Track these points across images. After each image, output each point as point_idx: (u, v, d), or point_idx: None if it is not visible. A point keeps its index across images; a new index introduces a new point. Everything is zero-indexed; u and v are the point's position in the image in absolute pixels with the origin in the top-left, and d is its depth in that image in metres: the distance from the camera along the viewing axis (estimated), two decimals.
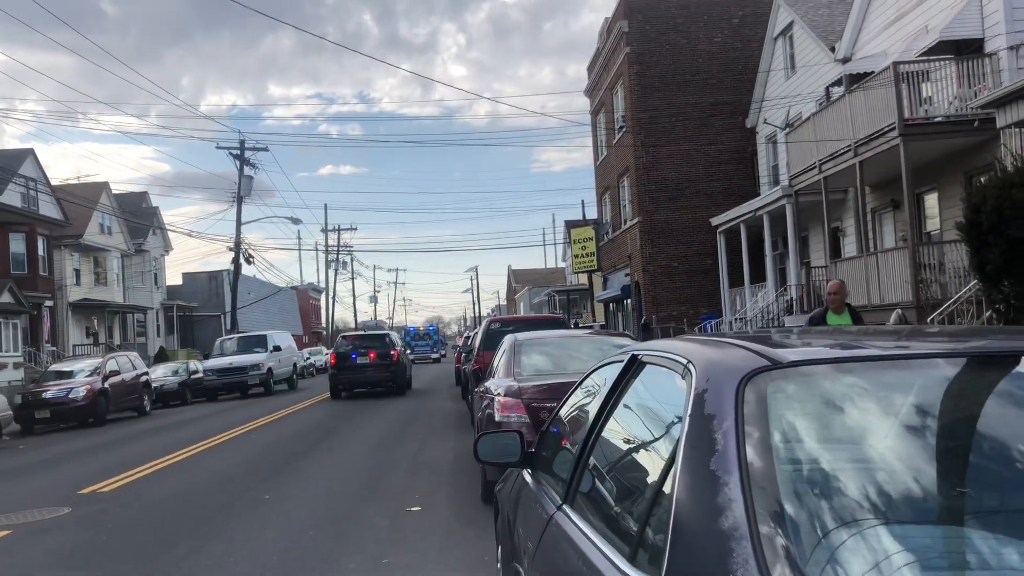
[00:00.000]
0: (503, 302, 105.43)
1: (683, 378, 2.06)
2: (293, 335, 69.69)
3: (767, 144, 26.94)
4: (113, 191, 43.16)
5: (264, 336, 30.03)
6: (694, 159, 29.53)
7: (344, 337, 23.61)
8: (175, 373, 28.34)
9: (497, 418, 7.06)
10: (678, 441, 1.85)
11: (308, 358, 47.55)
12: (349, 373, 22.60)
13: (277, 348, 29.57)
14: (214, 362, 28.36)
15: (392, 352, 22.96)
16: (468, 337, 26.78)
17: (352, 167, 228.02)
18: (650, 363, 2.46)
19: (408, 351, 27.47)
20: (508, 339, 8.85)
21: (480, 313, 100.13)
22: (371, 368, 22.67)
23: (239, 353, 28.78)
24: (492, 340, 13.00)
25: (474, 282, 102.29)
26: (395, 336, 24.46)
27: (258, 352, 28.70)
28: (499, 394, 7.34)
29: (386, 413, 18.11)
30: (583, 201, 43.00)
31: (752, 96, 27.46)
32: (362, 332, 25.41)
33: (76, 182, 43.19)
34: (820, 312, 8.35)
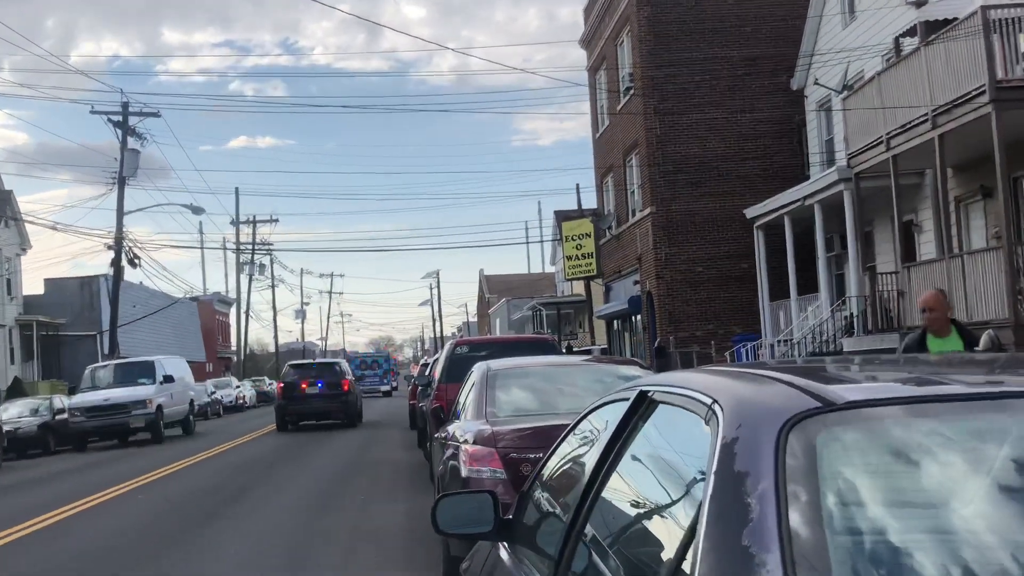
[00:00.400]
0: (472, 318, 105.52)
1: (707, 423, 2.06)
2: (194, 361, 69.82)
3: (818, 112, 27.18)
4: None
5: (150, 363, 29.65)
6: (723, 131, 29.71)
7: (292, 366, 30.19)
8: (34, 413, 28.06)
9: (464, 473, 7.08)
10: (700, 506, 1.84)
11: (213, 392, 47.31)
12: (298, 404, 28.41)
13: (168, 379, 29.11)
14: (83, 398, 27.81)
15: (343, 382, 28.72)
16: (426, 365, 26.76)
17: (274, 139, 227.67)
18: (664, 402, 2.46)
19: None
20: (479, 368, 8.85)
21: (442, 333, 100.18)
22: (321, 399, 28.24)
23: (117, 385, 28.26)
24: (458, 369, 12.99)
25: (435, 291, 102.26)
26: (345, 365, 29.82)
27: (144, 384, 28.24)
28: (466, 441, 7.36)
29: (319, 463, 18.05)
30: (578, 186, 43.20)
31: (799, 49, 27.69)
32: (311, 361, 31.93)
33: None
34: (917, 336, 7.99)
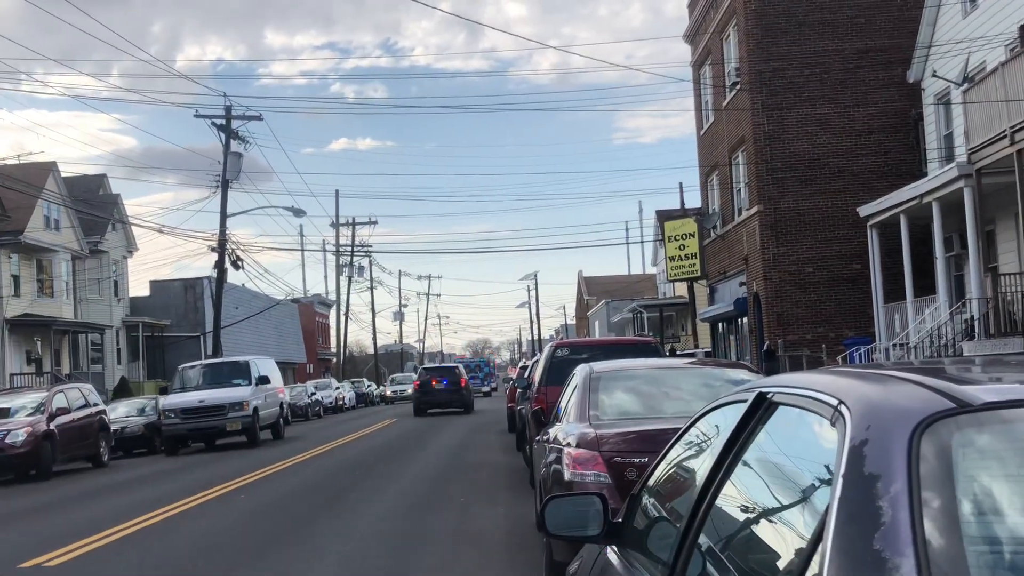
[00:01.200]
0: (571, 321, 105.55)
1: (833, 424, 2.04)
2: (294, 362, 71.53)
3: (937, 105, 26.47)
4: (63, 174, 44.52)
5: (245, 363, 28.51)
6: (835, 126, 29.15)
7: (425, 369, 42.10)
8: (140, 412, 28.98)
9: (567, 476, 7.10)
10: (827, 511, 1.82)
11: (313, 393, 48.25)
12: (430, 396, 39.31)
13: (263, 379, 28.41)
14: (177, 399, 26.76)
15: (461, 380, 40.18)
16: (525, 367, 26.89)
17: (373, 140, 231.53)
18: (785, 404, 2.44)
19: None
20: (581, 371, 8.87)
21: (540, 335, 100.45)
22: (446, 392, 39.31)
23: (209, 386, 27.19)
24: (558, 372, 13.05)
25: (532, 293, 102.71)
26: (462, 368, 42.10)
27: (239, 385, 27.27)
28: (569, 444, 7.37)
29: (417, 467, 18.26)
30: (681, 185, 42.84)
31: (916, 40, 27.01)
32: (437, 365, 43.56)
33: (15, 162, 44.73)
34: None
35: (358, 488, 15.44)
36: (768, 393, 2.56)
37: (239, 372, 28.00)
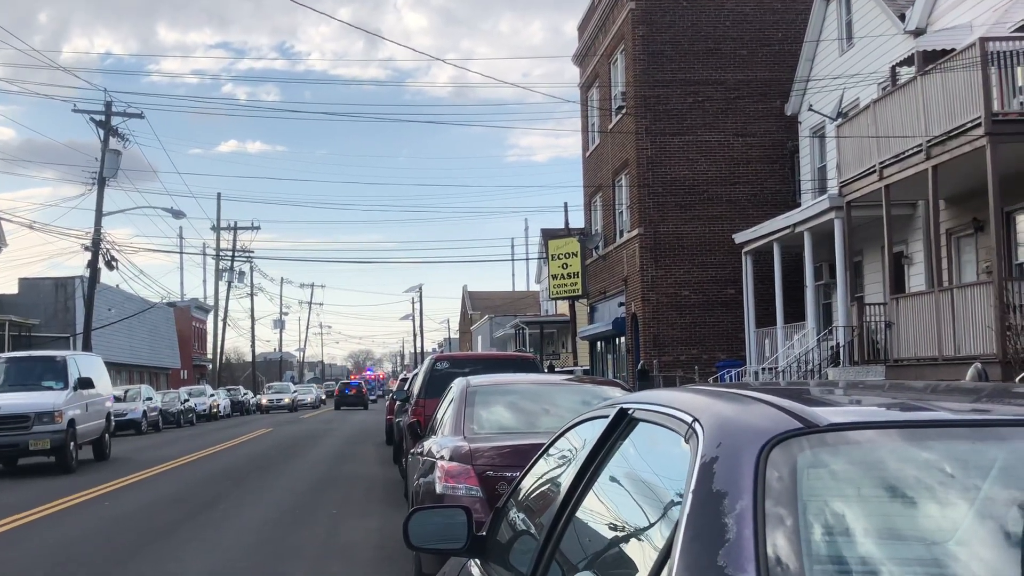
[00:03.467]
0: (454, 334, 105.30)
1: (687, 441, 2.06)
2: (169, 368, 69.60)
3: (812, 139, 27.34)
4: None
5: (61, 360, 22.25)
6: (715, 154, 29.84)
7: (342, 383, 72.47)
8: None
9: (439, 489, 7.07)
10: (677, 525, 1.83)
11: (186, 400, 47.09)
12: (343, 398, 66.78)
13: (86, 383, 21.84)
14: None
15: (363, 389, 70.04)
16: (405, 380, 26.74)
17: (263, 144, 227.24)
18: (644, 420, 2.46)
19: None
20: (458, 384, 8.84)
21: (423, 348, 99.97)
22: (352, 396, 66.78)
23: (11, 388, 21.00)
24: (437, 384, 12.97)
25: (417, 306, 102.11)
26: (363, 383, 73.71)
27: (51, 389, 21.21)
28: (443, 457, 7.34)
29: (291, 477, 17.97)
30: (566, 204, 43.09)
31: (795, 74, 27.88)
32: (347, 380, 75.16)
33: None
34: None
35: (228, 499, 15.07)
36: (629, 409, 2.58)
37: (52, 371, 21.64)
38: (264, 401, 65.87)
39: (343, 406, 66.21)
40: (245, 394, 67.01)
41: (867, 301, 21.35)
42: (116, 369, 58.58)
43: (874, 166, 19.18)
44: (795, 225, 22.96)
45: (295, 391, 71.40)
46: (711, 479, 1.82)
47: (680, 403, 2.26)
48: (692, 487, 1.84)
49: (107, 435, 23.83)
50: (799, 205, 25.56)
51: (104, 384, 24.45)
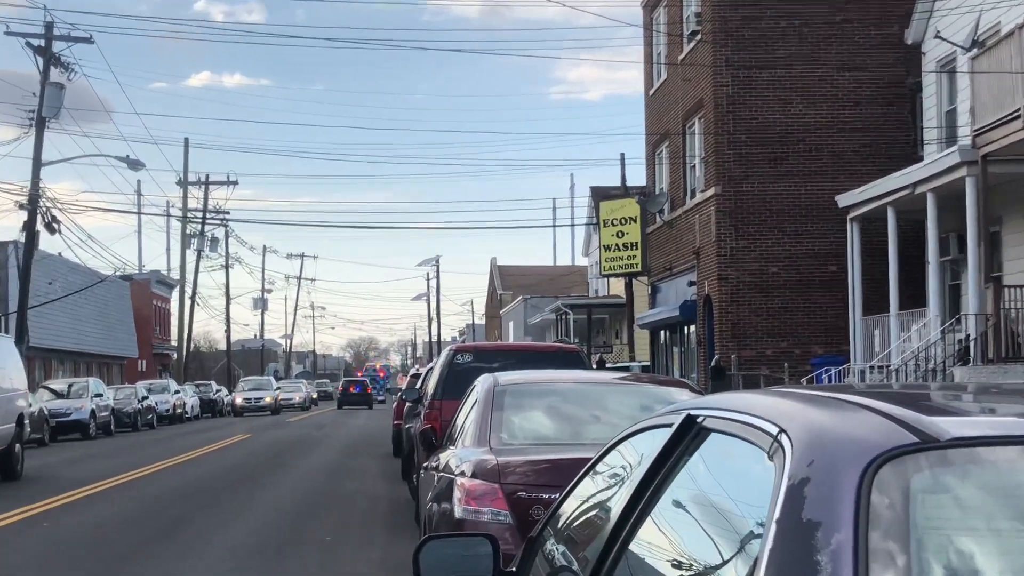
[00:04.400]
0: (479, 320, 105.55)
1: (771, 457, 2.07)
2: (124, 357, 70.36)
3: (939, 74, 27.07)
4: None
5: None
6: (815, 93, 29.63)
7: (345, 381, 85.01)
8: None
9: (458, 513, 7.12)
10: (756, 563, 1.84)
11: (145, 397, 47.58)
12: (347, 397, 77.28)
13: None
14: None
15: (367, 388, 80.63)
16: (417, 376, 26.82)
17: (245, 76, 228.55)
18: (718, 430, 2.47)
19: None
20: (484, 382, 8.87)
21: (440, 336, 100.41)
22: (357, 395, 77.30)
23: None
24: (458, 383, 13.01)
25: (433, 283, 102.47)
26: (367, 379, 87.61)
27: None
28: (463, 473, 7.39)
29: (271, 497, 18.14)
30: (623, 156, 42.95)
31: None
32: (353, 378, 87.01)
33: None
34: None
35: (189, 526, 15.24)
36: (699, 416, 2.59)
37: None
38: (238, 401, 65.20)
39: (347, 405, 75.77)
40: (218, 391, 67.68)
41: (1006, 283, 21.16)
42: (57, 358, 59.46)
43: (1019, 109, 18.96)
44: (916, 184, 22.78)
45: (278, 388, 71.45)
46: (801, 505, 1.83)
47: (763, 409, 2.26)
48: (777, 515, 1.85)
49: (19, 445, 22.63)
50: (921, 159, 25.35)
51: (17, 377, 23.67)
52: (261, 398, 65.48)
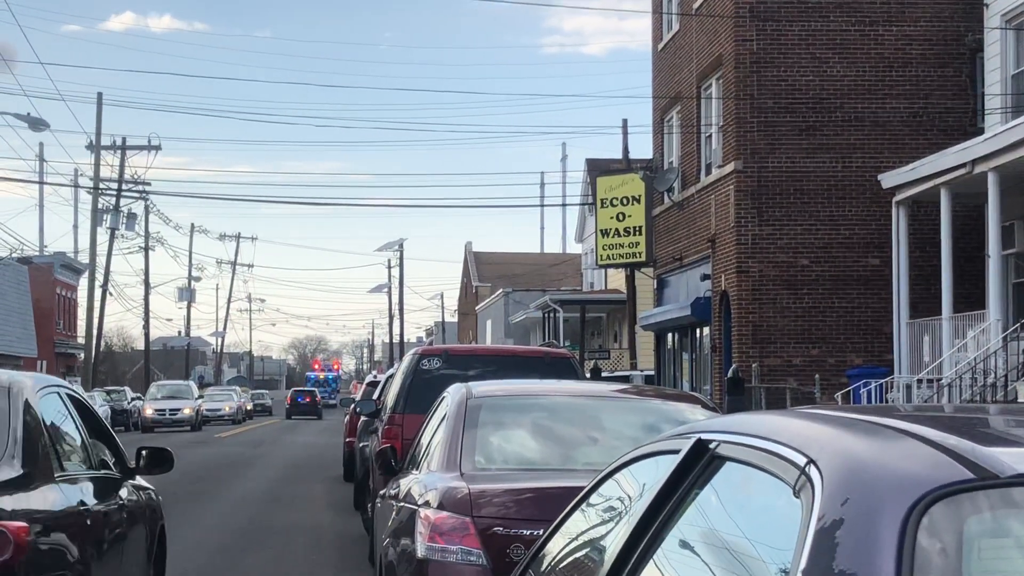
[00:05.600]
0: (451, 317, 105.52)
1: (797, 493, 2.07)
2: (20, 356, 69.99)
3: (1004, 31, 27.16)
4: None
5: None
6: (855, 51, 29.68)
7: (294, 391, 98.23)
8: None
9: (421, 551, 7.15)
10: None
11: None
12: (295, 408, 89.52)
13: None
14: None
15: (317, 398, 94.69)
16: (374, 385, 26.80)
17: (175, 19, 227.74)
18: (734, 459, 2.49)
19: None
20: (455, 393, 8.88)
21: (404, 337, 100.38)
22: (306, 405, 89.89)
23: None
24: (423, 393, 13.01)
25: (395, 272, 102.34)
26: (315, 389, 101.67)
27: None
28: (428, 503, 7.40)
29: (196, 532, 18.11)
30: (625, 123, 43.02)
31: None
32: (303, 388, 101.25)
33: None
34: None
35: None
36: (711, 441, 2.60)
37: None
38: (148, 412, 62.90)
39: (296, 415, 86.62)
40: (134, 399, 67.40)
41: None
42: None
43: None
44: (974, 162, 22.84)
45: (201, 396, 70.79)
46: (833, 552, 1.83)
47: (789, 435, 2.27)
48: (804, 564, 1.86)
49: None
50: (982, 131, 25.41)
51: None
52: (178, 409, 63.04)
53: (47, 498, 7.25)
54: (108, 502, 8.46)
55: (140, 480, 9.75)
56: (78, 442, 8.61)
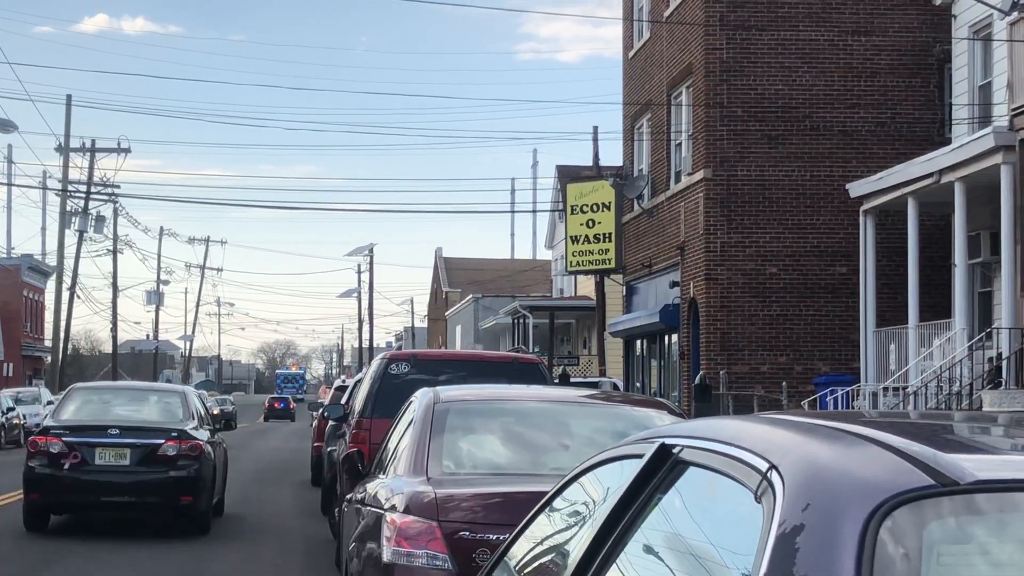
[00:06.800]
0: (421, 322, 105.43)
1: (759, 498, 2.07)
2: None
3: (971, 41, 27.25)
4: None
5: None
6: (825, 61, 29.76)
7: (271, 397, 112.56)
8: None
9: (387, 557, 7.16)
10: None
11: (11, 409, 47.12)
12: (273, 412, 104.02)
13: None
14: None
15: (291, 404, 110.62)
16: (342, 389, 26.77)
17: (148, 20, 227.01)
18: (697, 463, 2.48)
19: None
20: (422, 397, 8.88)
21: (373, 342, 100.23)
22: (283, 410, 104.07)
23: None
24: (391, 398, 13.01)
25: (365, 277, 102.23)
26: (291, 398, 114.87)
27: None
28: (395, 508, 7.41)
29: (159, 537, 18.02)
30: (596, 129, 42.94)
31: None
32: (277, 396, 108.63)
33: None
34: None
35: (68, 564, 15.12)
36: (675, 446, 2.60)
37: None
38: None
39: (272, 419, 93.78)
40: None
41: None
42: None
43: None
44: (941, 172, 22.93)
45: None
46: (793, 558, 1.83)
47: (751, 440, 2.27)
48: (764, 569, 1.86)
49: None
50: (949, 142, 25.51)
51: None
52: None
53: (204, 435, 18.51)
54: (216, 438, 19.74)
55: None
56: (203, 414, 20.36)
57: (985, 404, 20.65)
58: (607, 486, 2.95)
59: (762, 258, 29.49)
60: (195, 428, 18.25)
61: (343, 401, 21.70)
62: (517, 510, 6.85)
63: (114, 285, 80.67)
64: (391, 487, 7.86)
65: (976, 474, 1.92)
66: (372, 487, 8.56)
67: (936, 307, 25.03)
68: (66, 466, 17.37)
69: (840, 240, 28.84)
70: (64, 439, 17.67)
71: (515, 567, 3.47)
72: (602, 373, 38.36)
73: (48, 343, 75.04)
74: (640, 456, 2.74)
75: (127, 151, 67.88)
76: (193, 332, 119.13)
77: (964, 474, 1.92)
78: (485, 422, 8.63)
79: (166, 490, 17.42)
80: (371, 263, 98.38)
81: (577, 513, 3.19)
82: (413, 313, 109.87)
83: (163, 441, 17.54)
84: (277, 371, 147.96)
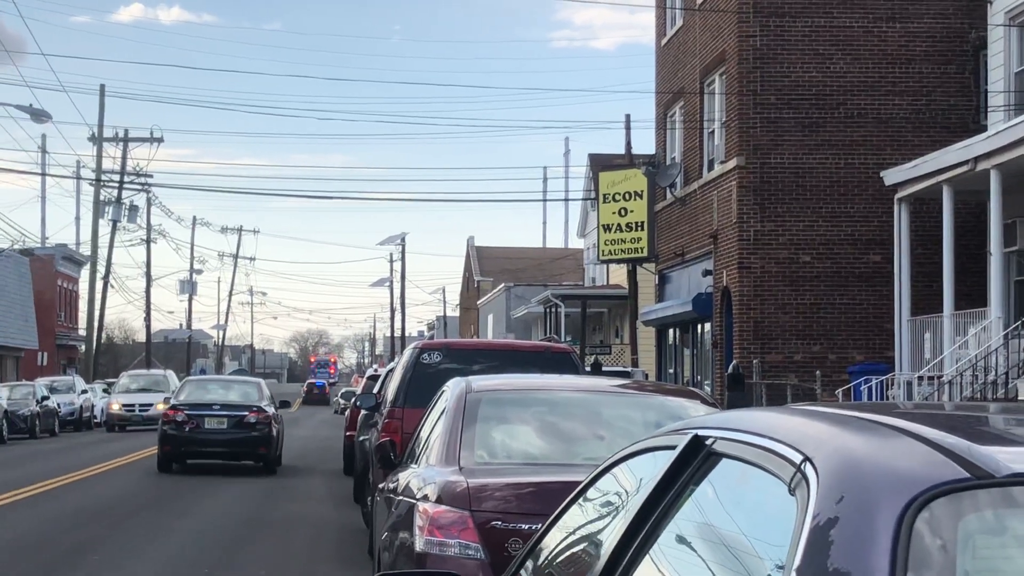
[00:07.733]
0: (453, 312, 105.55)
1: (792, 490, 2.07)
2: (20, 348, 70.11)
3: (1008, 27, 27.12)
4: None
5: None
6: (858, 48, 29.66)
7: (309, 384, 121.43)
8: None
9: (419, 546, 7.16)
10: None
11: (46, 398, 47.30)
12: (310, 397, 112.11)
13: None
14: None
15: (326, 390, 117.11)
16: (375, 378, 26.85)
17: (184, 10, 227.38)
18: (730, 455, 2.49)
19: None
20: (455, 387, 8.89)
21: (405, 331, 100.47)
22: (317, 395, 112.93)
23: None
24: (423, 387, 13.04)
25: (397, 267, 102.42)
26: (327, 384, 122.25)
27: None
28: (426, 497, 7.43)
29: (195, 523, 18.13)
30: (628, 118, 42.86)
31: None
32: (314, 381, 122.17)
33: None
34: None
35: (104, 548, 15.20)
36: (708, 438, 2.60)
37: None
38: (115, 407, 50.93)
39: (309, 404, 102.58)
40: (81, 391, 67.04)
41: None
42: None
43: None
44: (977, 159, 22.83)
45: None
46: (828, 549, 1.83)
47: (785, 431, 2.27)
48: (798, 562, 1.85)
49: None
50: (984, 129, 25.38)
51: None
52: (150, 405, 49.23)
53: (271, 410, 28.71)
54: (278, 413, 29.26)
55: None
56: (270, 396, 30.53)
57: (1020, 393, 20.59)
58: (640, 477, 2.95)
59: (795, 246, 29.43)
60: (267, 405, 28.86)
61: (375, 390, 21.75)
62: (549, 500, 6.86)
63: (148, 274, 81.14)
64: (423, 477, 7.87)
65: (1012, 467, 1.91)
66: (404, 477, 8.58)
67: (971, 296, 24.92)
68: (187, 429, 27.37)
69: (874, 228, 28.75)
70: (185, 412, 27.52)
71: (548, 557, 3.47)
72: (634, 363, 38.32)
73: (82, 332, 75.48)
74: (673, 447, 2.74)
75: (160, 140, 68.20)
76: (226, 321, 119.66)
77: (999, 467, 1.91)
78: (517, 412, 8.63)
79: (249, 444, 27.73)
80: (403, 252, 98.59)
81: (610, 504, 3.19)
82: (445, 302, 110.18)
83: (247, 413, 27.59)
84: (316, 359, 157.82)
